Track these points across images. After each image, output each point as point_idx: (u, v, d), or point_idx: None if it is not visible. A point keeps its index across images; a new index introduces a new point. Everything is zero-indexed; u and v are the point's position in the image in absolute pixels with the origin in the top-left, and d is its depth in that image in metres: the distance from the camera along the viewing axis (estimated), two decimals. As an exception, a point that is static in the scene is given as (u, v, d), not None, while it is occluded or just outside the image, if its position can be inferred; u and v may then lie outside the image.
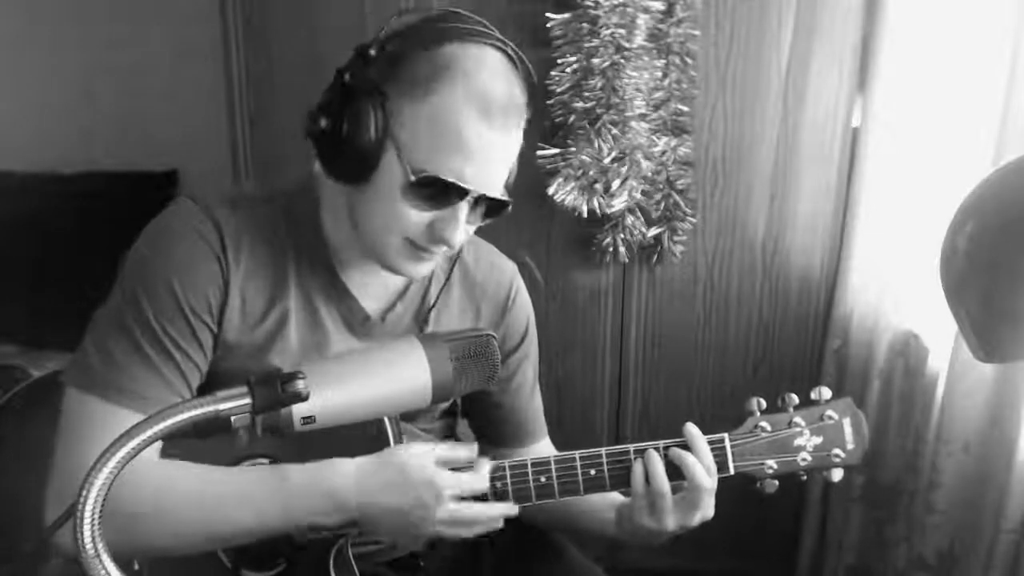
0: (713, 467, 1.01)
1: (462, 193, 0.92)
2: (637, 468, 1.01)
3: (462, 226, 0.94)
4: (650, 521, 1.02)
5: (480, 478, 0.99)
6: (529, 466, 1.02)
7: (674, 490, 1.02)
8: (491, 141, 0.91)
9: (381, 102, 0.91)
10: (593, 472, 1.02)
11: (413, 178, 0.91)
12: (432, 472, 0.95)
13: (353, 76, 0.92)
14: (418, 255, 0.97)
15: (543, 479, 1.01)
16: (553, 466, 1.02)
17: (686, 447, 1.02)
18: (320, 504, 0.92)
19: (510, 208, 0.98)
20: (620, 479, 1.02)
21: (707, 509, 1.02)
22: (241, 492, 0.93)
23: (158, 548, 0.94)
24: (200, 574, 1.00)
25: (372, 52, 0.92)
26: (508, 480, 1.01)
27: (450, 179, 0.90)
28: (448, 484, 0.95)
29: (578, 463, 1.02)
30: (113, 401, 0.92)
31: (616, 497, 1.09)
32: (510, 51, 0.95)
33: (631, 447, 1.03)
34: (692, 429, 1.03)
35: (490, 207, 0.96)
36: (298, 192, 1.05)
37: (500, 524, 1.00)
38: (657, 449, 1.02)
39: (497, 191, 0.95)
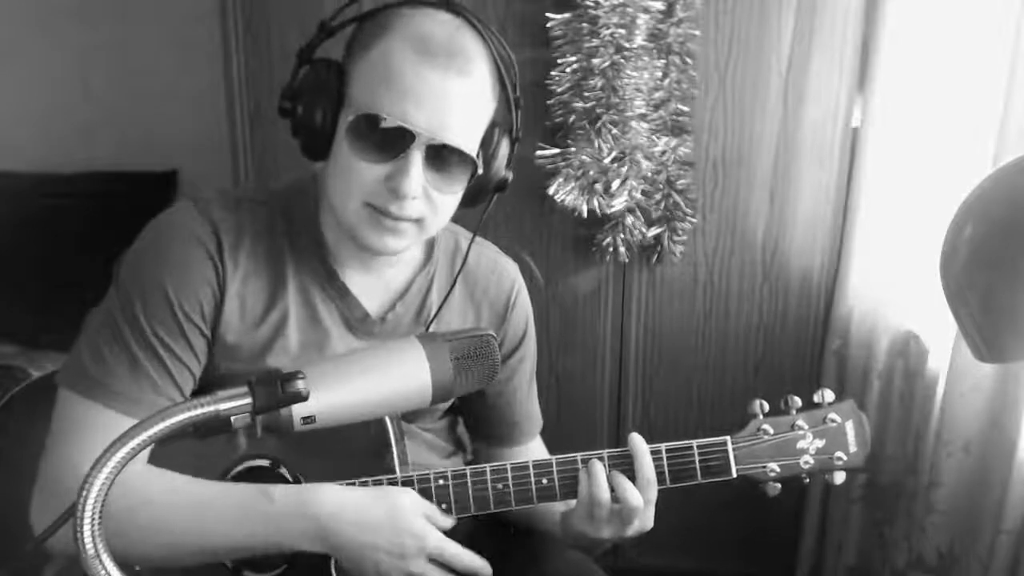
0: (653, 480, 1.00)
1: (408, 137, 0.90)
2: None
3: (414, 175, 0.90)
4: (588, 528, 1.02)
5: (467, 554, 0.97)
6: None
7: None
8: (430, 79, 0.89)
9: (336, 71, 0.94)
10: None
11: (351, 118, 0.91)
12: (421, 525, 0.94)
13: (307, 49, 0.96)
14: (382, 222, 0.94)
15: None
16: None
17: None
18: (302, 530, 0.91)
19: (479, 168, 0.96)
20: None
21: (644, 522, 1.02)
22: (226, 511, 0.92)
23: (146, 559, 0.94)
24: (201, 574, 1.00)
25: (330, 25, 0.95)
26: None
27: (388, 117, 0.89)
28: (432, 543, 0.94)
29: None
30: (101, 402, 0.92)
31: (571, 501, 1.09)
32: (466, 14, 0.94)
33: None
34: (636, 440, 1.02)
35: (451, 160, 0.93)
36: (297, 192, 1.05)
37: None
38: (601, 458, 1.02)
39: (451, 138, 0.91)
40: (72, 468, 0.89)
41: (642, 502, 1.00)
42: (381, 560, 0.93)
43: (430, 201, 0.95)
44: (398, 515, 0.93)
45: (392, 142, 0.90)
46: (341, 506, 0.92)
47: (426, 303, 1.10)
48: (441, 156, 0.92)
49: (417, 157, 0.91)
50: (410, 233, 0.97)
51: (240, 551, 0.94)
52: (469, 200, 1.01)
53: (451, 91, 0.90)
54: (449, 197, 0.97)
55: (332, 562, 0.99)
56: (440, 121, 0.90)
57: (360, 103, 0.91)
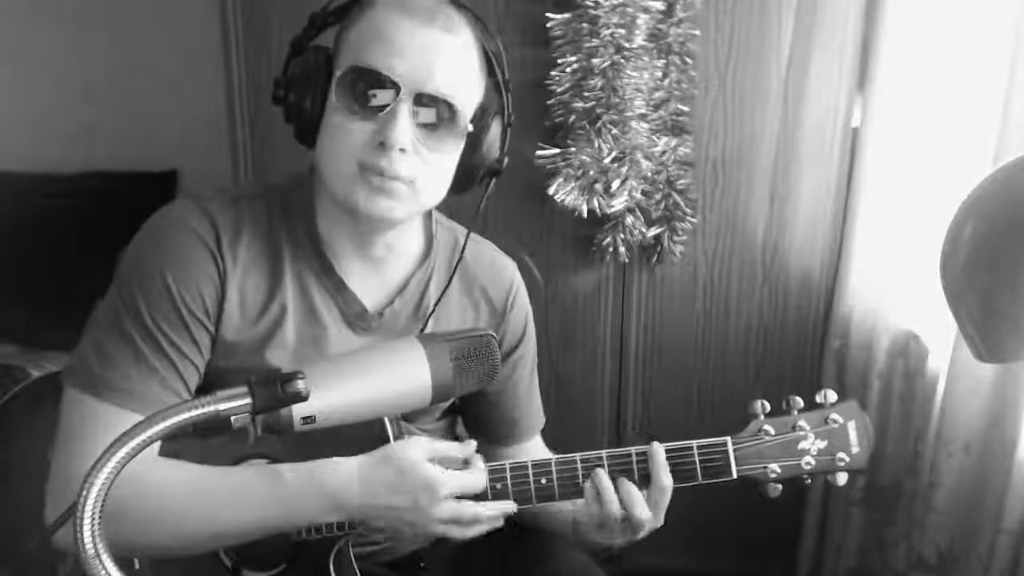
0: (668, 486, 1.00)
1: (395, 88, 0.91)
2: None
3: (401, 125, 0.91)
4: (598, 537, 1.03)
5: (477, 477, 0.98)
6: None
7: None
8: (415, 32, 0.92)
9: (325, 56, 0.96)
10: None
11: (338, 72, 0.93)
12: (429, 472, 0.94)
13: (299, 39, 0.98)
14: (371, 181, 0.93)
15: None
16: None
17: (633, 460, 1.02)
18: (318, 504, 0.92)
19: (469, 125, 0.97)
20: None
21: (656, 521, 1.02)
22: (238, 493, 0.92)
23: (158, 548, 0.94)
24: (201, 574, 1.00)
25: (321, 17, 0.98)
26: None
27: (373, 67, 0.91)
28: (445, 483, 0.94)
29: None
30: (108, 400, 0.92)
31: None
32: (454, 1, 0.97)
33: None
34: (656, 450, 1.01)
35: (440, 116, 0.94)
36: (294, 187, 1.05)
37: (501, 522, 1.00)
38: (601, 462, 1.01)
39: (436, 88, 0.92)
40: (81, 466, 0.89)
41: (650, 514, 1.00)
42: (403, 518, 0.94)
43: (421, 159, 0.94)
44: (405, 471, 0.93)
45: (379, 95, 0.92)
46: (351, 476, 0.92)
47: (424, 299, 1.10)
48: (430, 110, 0.94)
49: (404, 108, 0.92)
50: (404, 195, 0.95)
51: (253, 533, 0.94)
52: (462, 182, 1.01)
53: (435, 43, 0.92)
54: (441, 156, 0.97)
55: (331, 559, 0.99)
56: (425, 71, 0.92)
57: (347, 61, 0.93)
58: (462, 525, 0.97)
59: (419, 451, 0.96)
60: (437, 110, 0.94)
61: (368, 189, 0.94)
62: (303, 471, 0.93)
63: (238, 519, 0.92)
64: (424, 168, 0.95)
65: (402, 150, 0.92)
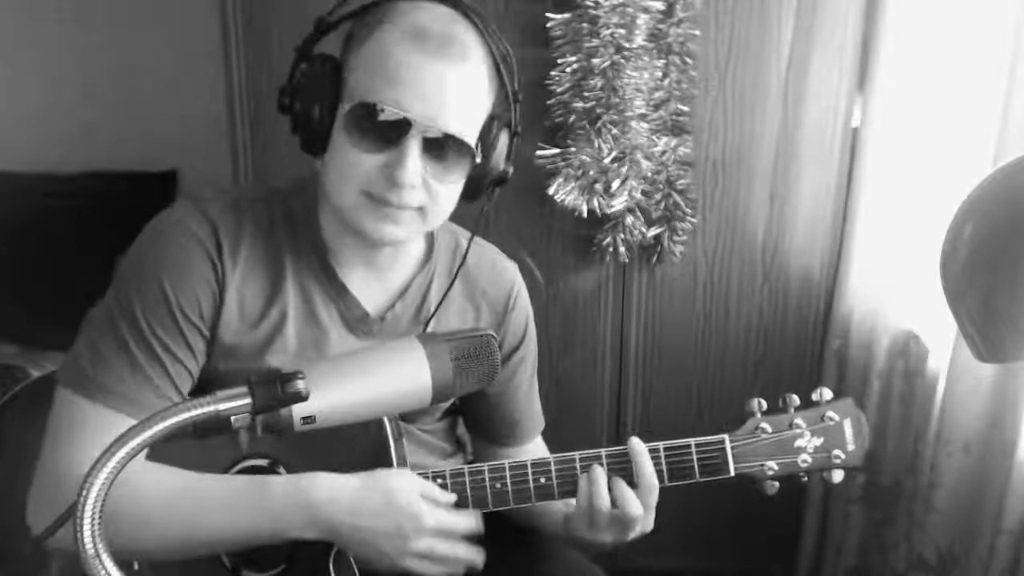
0: (655, 485, 1.01)
1: (405, 126, 0.90)
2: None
3: (410, 164, 0.90)
4: (587, 533, 1.02)
5: (462, 519, 0.97)
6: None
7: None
8: (425, 68, 0.89)
9: (332, 65, 0.94)
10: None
11: (347, 106, 0.91)
12: (416, 504, 0.94)
13: (305, 45, 0.96)
14: (380, 210, 0.93)
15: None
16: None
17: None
18: (299, 518, 0.92)
19: (477, 157, 0.96)
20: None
21: (645, 525, 1.02)
22: (223, 502, 0.92)
23: (147, 552, 0.94)
24: (201, 574, 1.00)
25: (327, 21, 0.96)
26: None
27: (385, 105, 0.89)
28: (430, 518, 0.94)
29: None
30: (99, 401, 0.92)
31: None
32: (463, 8, 0.94)
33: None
34: (636, 445, 1.02)
35: (448, 149, 0.93)
36: (296, 191, 1.05)
37: (463, 570, 0.99)
38: (600, 459, 1.02)
39: (447, 126, 0.91)
40: (70, 468, 0.89)
41: (642, 511, 1.00)
42: (382, 544, 0.94)
43: (429, 190, 0.94)
44: (392, 498, 0.93)
45: (389, 131, 0.90)
46: (336, 494, 0.92)
47: (425, 302, 1.09)
48: (439, 144, 0.92)
49: (414, 146, 0.91)
50: (411, 221, 0.96)
51: (239, 543, 0.94)
52: (469, 193, 1.01)
53: (447, 79, 0.90)
54: (448, 187, 0.96)
55: (330, 561, 0.99)
56: (436, 109, 0.90)
57: (357, 93, 0.92)
58: (434, 562, 0.96)
59: (411, 483, 0.95)
60: (447, 144, 0.93)
61: (376, 217, 0.94)
62: (290, 483, 0.93)
63: (225, 527, 0.92)
64: (432, 196, 0.95)
65: (411, 187, 0.92)
